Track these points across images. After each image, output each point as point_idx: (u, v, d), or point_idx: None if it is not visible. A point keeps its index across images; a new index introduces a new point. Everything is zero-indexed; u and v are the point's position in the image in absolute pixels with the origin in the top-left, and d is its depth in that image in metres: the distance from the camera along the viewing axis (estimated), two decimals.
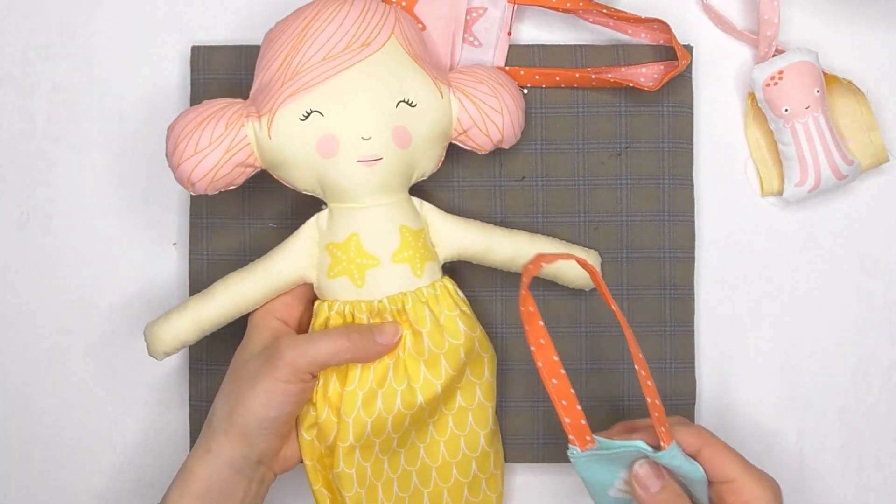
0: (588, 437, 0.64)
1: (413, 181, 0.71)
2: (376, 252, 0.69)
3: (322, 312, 0.70)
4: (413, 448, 0.72)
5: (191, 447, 0.76)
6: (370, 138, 0.67)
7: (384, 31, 0.69)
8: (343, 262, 0.69)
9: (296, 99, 0.67)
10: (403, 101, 0.68)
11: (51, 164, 0.79)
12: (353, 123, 0.67)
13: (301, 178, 0.69)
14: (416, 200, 0.71)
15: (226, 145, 0.68)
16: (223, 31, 0.79)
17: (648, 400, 0.64)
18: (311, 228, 0.70)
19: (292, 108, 0.67)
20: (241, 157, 0.68)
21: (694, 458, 0.65)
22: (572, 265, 0.73)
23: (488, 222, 0.75)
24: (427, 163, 0.71)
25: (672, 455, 0.64)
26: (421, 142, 0.69)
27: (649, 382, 0.64)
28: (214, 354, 0.76)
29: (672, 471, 0.65)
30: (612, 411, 0.76)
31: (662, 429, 0.64)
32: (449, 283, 0.71)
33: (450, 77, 0.71)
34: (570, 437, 0.64)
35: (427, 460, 0.72)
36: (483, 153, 0.72)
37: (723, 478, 0.65)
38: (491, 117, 0.70)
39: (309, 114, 0.67)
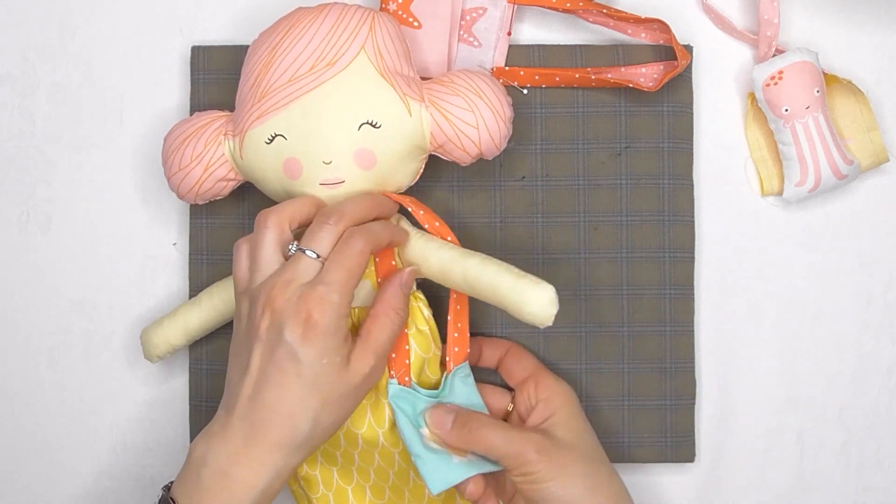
0: (407, 378, 0.69)
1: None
2: None
3: None
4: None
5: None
6: (331, 162, 0.67)
7: (353, 46, 0.68)
8: None
9: (262, 122, 0.68)
10: (367, 122, 0.67)
11: (51, 164, 0.79)
12: (314, 148, 0.67)
13: (276, 194, 0.70)
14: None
15: (205, 163, 0.69)
16: (223, 32, 0.79)
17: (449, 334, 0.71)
18: None
19: (259, 130, 0.68)
20: (221, 172, 0.70)
21: (496, 368, 0.73)
22: (516, 303, 0.67)
23: (488, 222, 0.75)
24: (400, 178, 0.70)
25: (451, 393, 0.70)
26: (388, 161, 0.68)
27: (460, 323, 0.71)
28: (214, 355, 0.76)
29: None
30: (612, 411, 0.76)
31: (447, 358, 0.71)
32: (413, 300, 0.70)
33: (425, 90, 0.69)
34: (391, 371, 0.69)
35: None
36: (465, 164, 0.71)
37: (521, 376, 0.72)
38: (466, 132, 0.68)
39: (273, 137, 0.68)
